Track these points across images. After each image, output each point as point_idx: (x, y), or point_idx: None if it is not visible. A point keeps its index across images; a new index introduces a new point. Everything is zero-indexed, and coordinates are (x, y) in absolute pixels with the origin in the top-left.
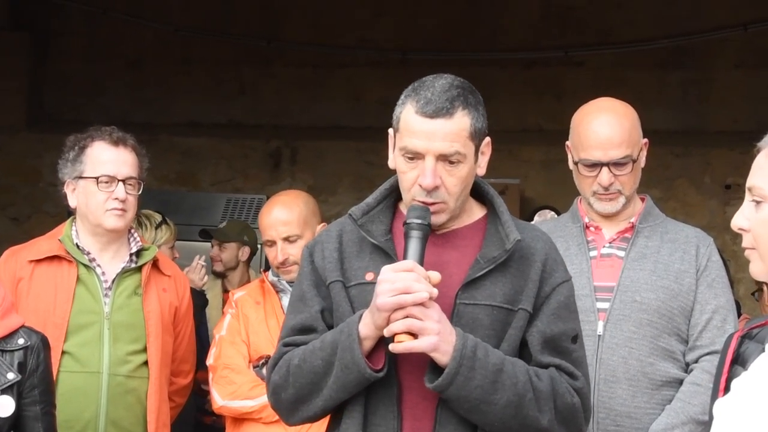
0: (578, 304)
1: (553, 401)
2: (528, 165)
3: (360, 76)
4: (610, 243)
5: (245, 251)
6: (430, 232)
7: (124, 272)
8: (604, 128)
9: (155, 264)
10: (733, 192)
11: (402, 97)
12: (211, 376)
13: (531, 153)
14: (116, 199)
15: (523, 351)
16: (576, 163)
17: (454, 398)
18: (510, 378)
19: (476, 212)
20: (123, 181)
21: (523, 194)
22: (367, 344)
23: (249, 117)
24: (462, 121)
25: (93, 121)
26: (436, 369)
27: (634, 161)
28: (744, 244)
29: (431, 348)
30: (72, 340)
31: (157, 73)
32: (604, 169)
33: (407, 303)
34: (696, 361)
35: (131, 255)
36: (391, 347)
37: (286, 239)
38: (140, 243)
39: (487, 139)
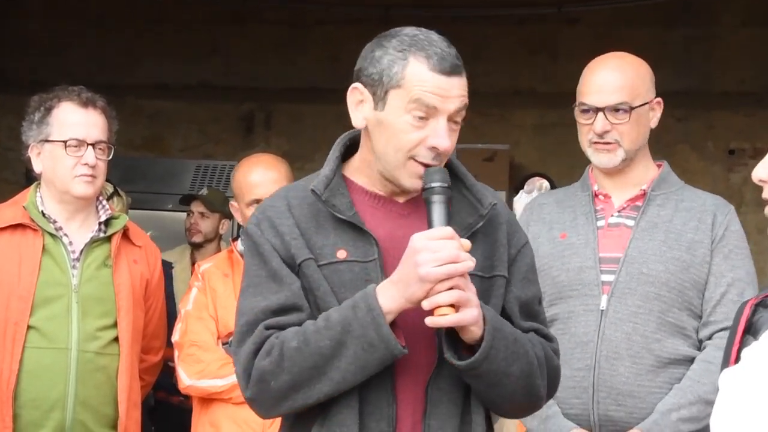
0: (581, 277)
1: (546, 367)
2: (519, 130)
3: (339, 35)
4: (619, 212)
5: (225, 224)
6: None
7: (93, 242)
8: (603, 73)
9: (125, 234)
10: (738, 157)
11: (393, 51)
12: (177, 353)
13: (523, 117)
14: (85, 164)
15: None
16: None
17: (483, 373)
18: (522, 347)
19: None
20: (92, 145)
21: (513, 161)
22: (389, 319)
23: (221, 79)
24: (465, 79)
25: (53, 83)
26: (453, 345)
27: (633, 109)
28: (765, 195)
29: (473, 321)
30: (38, 314)
31: (123, 32)
32: (600, 115)
33: (457, 273)
34: (709, 338)
35: (100, 224)
36: (429, 321)
37: None
38: (109, 211)
39: None
